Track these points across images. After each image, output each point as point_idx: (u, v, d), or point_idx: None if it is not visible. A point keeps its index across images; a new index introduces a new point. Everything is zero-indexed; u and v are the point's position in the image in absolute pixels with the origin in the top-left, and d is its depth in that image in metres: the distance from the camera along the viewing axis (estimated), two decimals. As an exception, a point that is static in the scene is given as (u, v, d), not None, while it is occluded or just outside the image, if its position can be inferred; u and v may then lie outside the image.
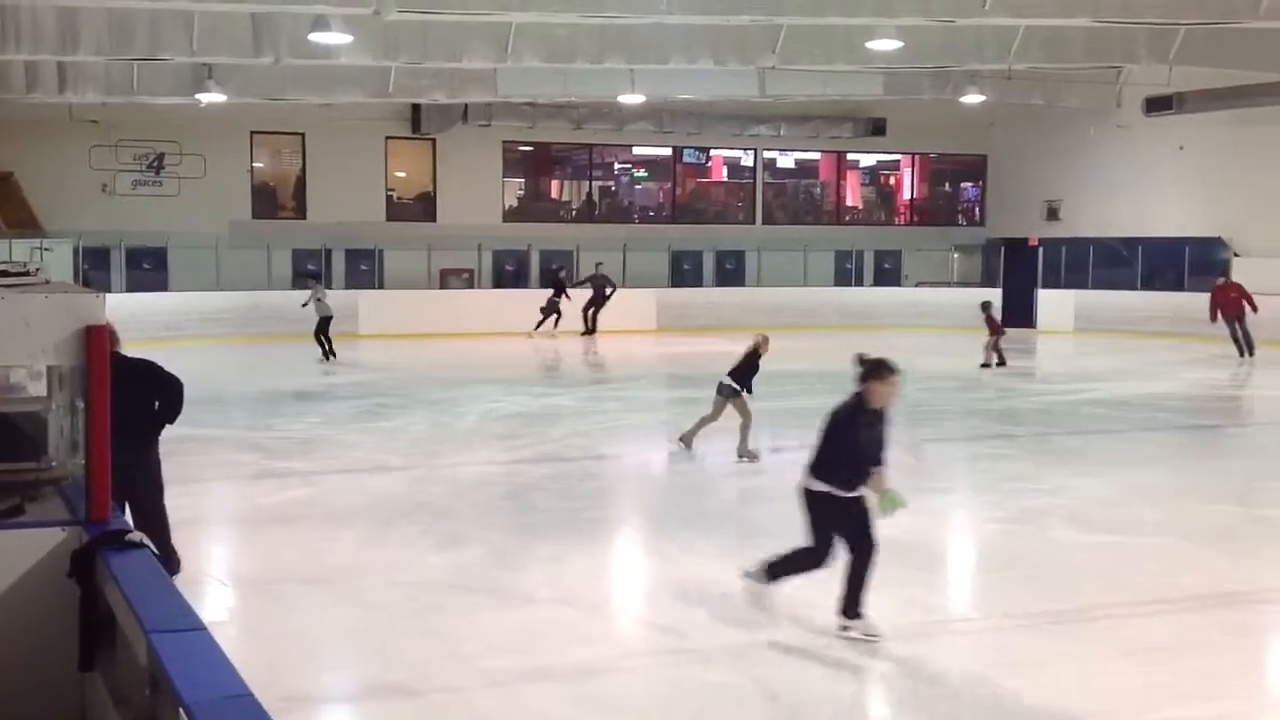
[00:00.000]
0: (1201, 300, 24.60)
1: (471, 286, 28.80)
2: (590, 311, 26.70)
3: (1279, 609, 7.57)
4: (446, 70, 21.53)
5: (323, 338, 21.04)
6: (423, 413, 15.44)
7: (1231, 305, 22.44)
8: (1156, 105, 26.74)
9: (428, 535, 8.92)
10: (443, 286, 28.52)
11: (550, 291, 26.47)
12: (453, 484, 11.12)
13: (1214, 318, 22.52)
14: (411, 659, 6.32)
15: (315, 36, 16.79)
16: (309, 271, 24.48)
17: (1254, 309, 22.21)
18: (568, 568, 8.02)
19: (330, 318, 21.22)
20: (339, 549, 8.55)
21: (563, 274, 27.14)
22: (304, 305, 21.76)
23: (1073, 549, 8.76)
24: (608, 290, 26.81)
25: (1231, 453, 13.80)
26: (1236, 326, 22.34)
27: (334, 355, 20.96)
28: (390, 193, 29.25)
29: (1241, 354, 22.18)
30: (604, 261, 27.68)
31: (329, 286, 27.01)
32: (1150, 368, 20.81)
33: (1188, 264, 27.27)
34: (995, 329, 20.69)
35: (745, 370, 11.88)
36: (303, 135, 27.87)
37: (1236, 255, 26.78)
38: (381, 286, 27.36)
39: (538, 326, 26.06)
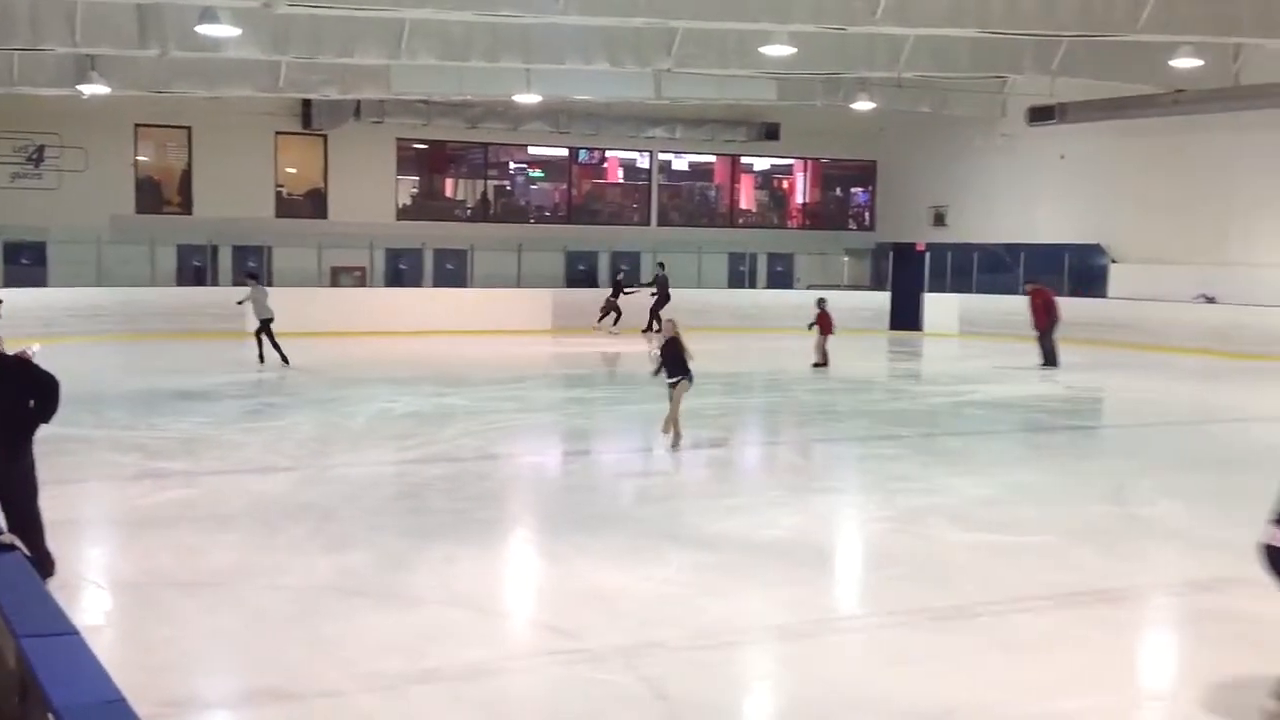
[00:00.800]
0: (1079, 305, 25.40)
1: (363, 285, 28.48)
2: (656, 310, 27.78)
3: (1150, 605, 7.82)
4: (339, 65, 21.26)
5: (261, 339, 20.06)
6: (312, 412, 15.23)
7: (1036, 312, 21.85)
8: (1039, 115, 27.48)
9: (314, 537, 8.80)
10: (333, 284, 28.16)
11: (610, 291, 28.26)
12: (342, 485, 10.98)
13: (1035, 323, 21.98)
14: (293, 663, 6.23)
15: (203, 28, 16.46)
16: (248, 270, 23.76)
17: (1055, 317, 21.60)
18: (458, 569, 7.97)
19: (269, 319, 20.17)
20: (221, 552, 8.39)
21: (621, 275, 28.40)
22: (239, 303, 21.14)
23: (954, 547, 8.96)
24: (669, 290, 28.00)
25: (1104, 453, 14.24)
26: (1041, 335, 21.71)
27: (284, 360, 19.66)
28: (280, 189, 28.78)
29: (1044, 363, 21.47)
30: (665, 262, 28.83)
31: (214, 284, 26.61)
32: (1030, 370, 21.33)
33: (1067, 270, 28.03)
34: (826, 328, 20.89)
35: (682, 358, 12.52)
36: (189, 129, 27.30)
37: (1114, 262, 27.64)
38: (270, 284, 26.89)
39: (599, 320, 27.93)
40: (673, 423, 12.52)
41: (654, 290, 28.04)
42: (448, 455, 12.39)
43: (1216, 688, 6.15)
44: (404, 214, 29.94)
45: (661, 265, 28.58)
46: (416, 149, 30.28)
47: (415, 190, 30.95)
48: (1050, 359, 21.62)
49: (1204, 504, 10.63)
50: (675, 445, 12.49)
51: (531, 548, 9.19)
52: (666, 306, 27.69)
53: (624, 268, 28.95)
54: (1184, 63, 19.73)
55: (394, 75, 22.45)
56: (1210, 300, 25.26)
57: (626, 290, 28.18)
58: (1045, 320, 21.84)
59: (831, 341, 20.97)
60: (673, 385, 12.53)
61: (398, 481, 11.30)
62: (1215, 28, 17.07)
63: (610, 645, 6.51)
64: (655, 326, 27.64)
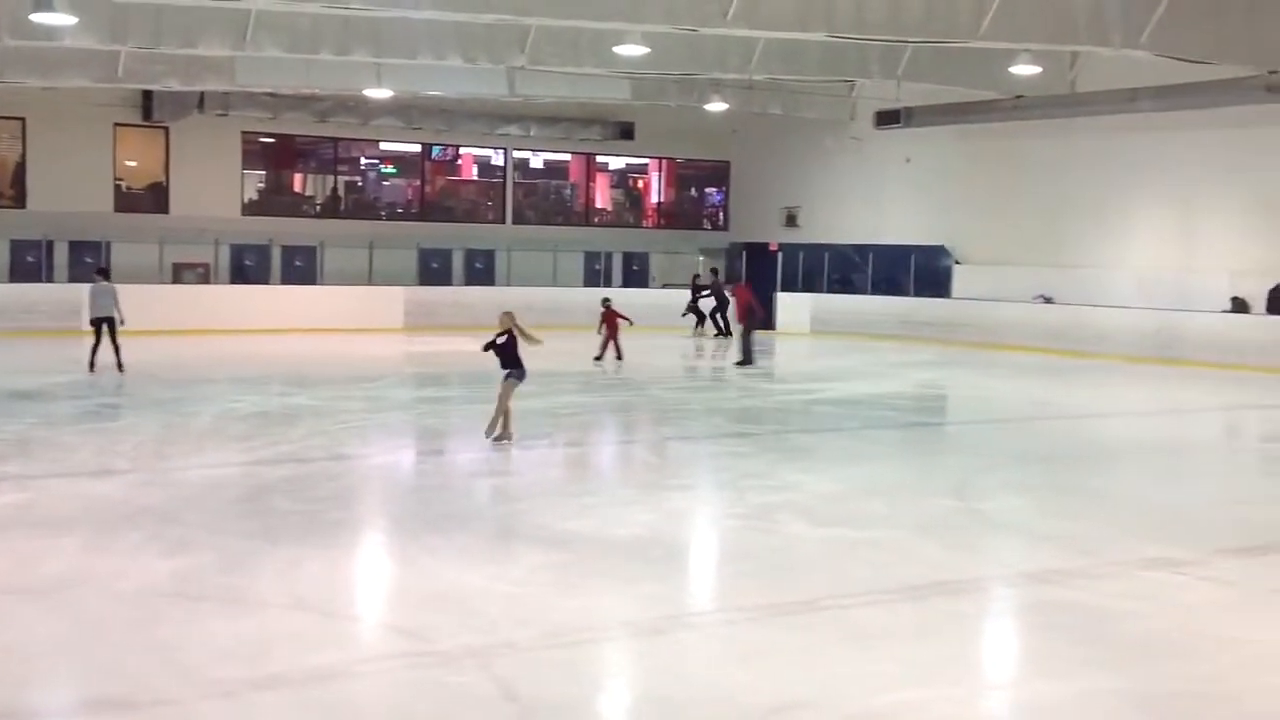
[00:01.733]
0: (924, 305, 26.04)
1: (207, 282, 27.69)
2: (716, 315, 28.23)
3: (990, 597, 8.06)
4: (181, 56, 20.66)
5: (98, 340, 18.54)
6: (152, 413, 14.75)
7: (740, 309, 21.78)
8: (886, 119, 28.16)
9: (153, 541, 8.51)
10: (176, 281, 27.31)
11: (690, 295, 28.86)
12: (182, 487, 10.64)
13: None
14: (132, 671, 6.01)
15: (37, 17, 15.79)
16: (97, 266, 22.22)
17: (757, 316, 21.62)
18: (304, 572, 7.80)
19: (107, 319, 18.56)
20: (54, 557, 8.06)
21: (699, 278, 28.80)
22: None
23: (804, 542, 9.11)
24: (726, 292, 27.75)
25: (948, 449, 14.63)
26: (743, 332, 21.59)
27: (120, 366, 18.27)
28: (119, 182, 27.84)
29: (742, 361, 21.30)
30: (718, 268, 29.56)
31: (49, 280, 25.54)
32: (878, 368, 21.83)
33: (914, 270, 28.79)
34: (613, 325, 21.48)
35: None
36: (23, 120, 26.30)
37: (958, 263, 28.46)
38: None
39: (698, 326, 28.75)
40: (500, 418, 12.41)
41: (709, 293, 28.55)
42: (295, 456, 12.12)
43: (1053, 676, 6.36)
44: (250, 209, 29.24)
45: (715, 271, 29.03)
46: (263, 143, 29.60)
47: (262, 185, 30.24)
48: (747, 358, 21.37)
49: (1039, 498, 11.02)
50: (499, 439, 12.38)
51: (380, 549, 9.05)
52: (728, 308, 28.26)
53: (698, 273, 29.46)
54: (1023, 69, 20.43)
55: (239, 67, 21.90)
56: (1048, 301, 26.21)
57: (703, 294, 28.43)
58: (745, 319, 21.62)
59: (623, 337, 21.56)
60: (504, 379, 12.43)
61: (242, 483, 11.00)
62: (1053, 35, 17.69)
63: (461, 646, 6.44)
64: (715, 329, 28.34)
